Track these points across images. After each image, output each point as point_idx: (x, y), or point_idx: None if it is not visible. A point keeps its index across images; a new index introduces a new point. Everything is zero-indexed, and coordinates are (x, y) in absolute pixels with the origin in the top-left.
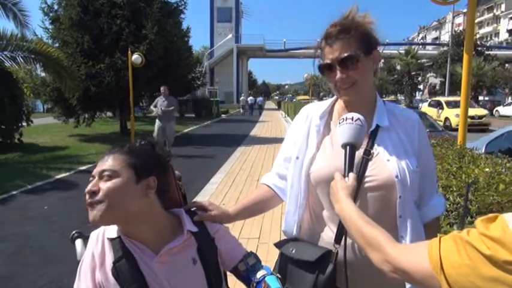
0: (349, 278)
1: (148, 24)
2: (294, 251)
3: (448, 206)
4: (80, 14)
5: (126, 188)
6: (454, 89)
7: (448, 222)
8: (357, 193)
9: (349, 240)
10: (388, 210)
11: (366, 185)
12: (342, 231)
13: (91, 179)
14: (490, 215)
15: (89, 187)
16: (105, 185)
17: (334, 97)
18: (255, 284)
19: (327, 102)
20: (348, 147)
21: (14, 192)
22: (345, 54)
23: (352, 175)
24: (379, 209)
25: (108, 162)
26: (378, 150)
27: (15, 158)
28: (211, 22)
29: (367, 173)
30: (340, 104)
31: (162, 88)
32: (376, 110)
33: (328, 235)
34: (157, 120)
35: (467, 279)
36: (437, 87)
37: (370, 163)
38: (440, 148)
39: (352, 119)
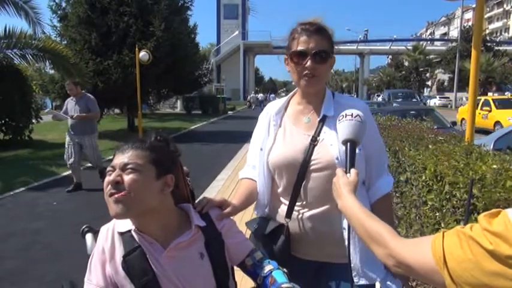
0: (301, 247)
1: (155, 21)
2: (255, 227)
3: (454, 202)
4: (87, 12)
5: (148, 184)
6: (463, 85)
7: (455, 218)
8: (305, 174)
9: (296, 214)
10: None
11: (312, 167)
12: (292, 207)
13: (110, 169)
14: (493, 210)
15: (112, 177)
16: (128, 177)
17: (290, 94)
18: (262, 279)
19: (284, 99)
20: (348, 144)
21: (23, 189)
22: (322, 48)
23: (353, 171)
24: (324, 189)
25: (130, 156)
26: (323, 136)
27: (24, 155)
28: (218, 19)
29: (313, 157)
30: (295, 99)
31: (67, 85)
32: (324, 103)
33: (283, 211)
34: (67, 135)
35: (470, 273)
36: (445, 83)
37: (316, 148)
38: (447, 145)
39: (352, 115)
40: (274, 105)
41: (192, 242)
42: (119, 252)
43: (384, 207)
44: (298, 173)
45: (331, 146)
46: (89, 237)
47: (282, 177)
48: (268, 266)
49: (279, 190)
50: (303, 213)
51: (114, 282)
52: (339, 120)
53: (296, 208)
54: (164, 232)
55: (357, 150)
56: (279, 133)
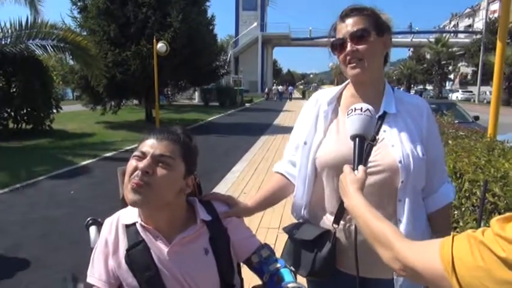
0: (346, 259)
1: (173, 12)
2: (296, 232)
3: (474, 200)
4: (106, 3)
5: (176, 182)
6: (487, 79)
7: (474, 217)
8: None
9: (344, 222)
10: (391, 195)
11: (370, 169)
12: (341, 213)
13: (139, 154)
14: (507, 214)
15: (144, 165)
16: (162, 172)
17: (344, 83)
18: (268, 277)
19: (336, 88)
20: (357, 139)
21: (43, 177)
22: (357, 28)
23: (361, 168)
24: (381, 193)
25: (165, 149)
26: (383, 136)
27: (45, 144)
28: (237, 10)
29: (371, 158)
30: (349, 90)
31: None
32: (384, 97)
33: (330, 217)
34: None
35: (481, 282)
36: (468, 77)
37: (374, 148)
38: (468, 140)
39: (361, 109)
40: (324, 95)
41: (197, 237)
42: (123, 245)
43: (445, 216)
44: None
45: (392, 147)
46: (92, 230)
47: (331, 177)
48: (275, 264)
49: (326, 192)
50: (351, 221)
51: (116, 276)
52: (348, 114)
53: (345, 215)
54: (170, 226)
55: (419, 155)
56: (330, 127)
